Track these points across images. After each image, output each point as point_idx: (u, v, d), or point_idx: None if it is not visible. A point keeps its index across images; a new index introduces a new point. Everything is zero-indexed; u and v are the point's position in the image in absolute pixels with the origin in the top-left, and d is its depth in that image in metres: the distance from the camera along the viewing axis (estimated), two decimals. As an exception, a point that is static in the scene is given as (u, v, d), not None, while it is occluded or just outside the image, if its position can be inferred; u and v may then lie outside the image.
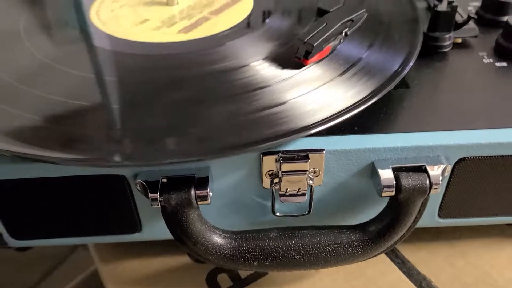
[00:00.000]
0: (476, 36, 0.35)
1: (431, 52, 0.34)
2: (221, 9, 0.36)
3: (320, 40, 0.28)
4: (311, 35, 0.29)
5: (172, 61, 0.31)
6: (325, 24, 0.29)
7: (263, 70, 0.29)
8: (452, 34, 0.34)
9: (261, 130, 0.25)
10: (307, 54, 0.29)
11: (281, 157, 0.27)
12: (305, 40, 0.29)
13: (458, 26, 0.34)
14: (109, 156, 0.24)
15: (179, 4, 0.37)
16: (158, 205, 0.27)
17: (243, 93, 0.28)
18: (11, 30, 0.34)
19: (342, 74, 0.29)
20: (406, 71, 0.29)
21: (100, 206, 0.29)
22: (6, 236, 0.31)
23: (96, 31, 0.34)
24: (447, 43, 0.34)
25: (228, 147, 0.25)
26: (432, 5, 0.37)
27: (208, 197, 0.27)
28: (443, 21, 0.34)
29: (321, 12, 0.31)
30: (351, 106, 0.26)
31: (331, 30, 0.29)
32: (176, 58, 0.31)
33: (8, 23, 0.35)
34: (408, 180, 0.27)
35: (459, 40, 0.36)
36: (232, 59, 0.30)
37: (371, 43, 0.31)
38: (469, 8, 0.40)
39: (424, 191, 0.27)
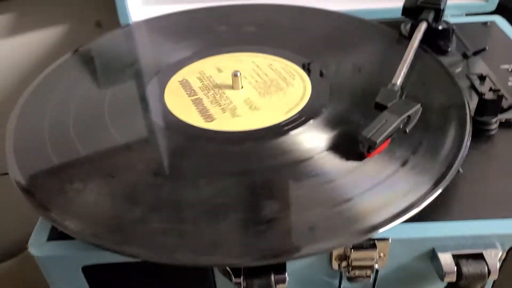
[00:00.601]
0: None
1: (478, 134, 0.37)
2: (276, 91, 0.40)
3: (382, 137, 0.32)
4: (373, 132, 0.32)
5: (241, 154, 0.34)
6: (385, 120, 0.33)
7: (328, 162, 0.33)
8: (498, 117, 0.37)
9: (333, 232, 0.28)
10: (370, 149, 0.32)
11: (350, 247, 0.30)
12: (368, 136, 0.32)
13: (504, 110, 0.37)
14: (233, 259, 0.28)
15: (243, 89, 0.41)
16: (241, 289, 0.30)
17: (311, 188, 0.31)
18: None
19: (403, 165, 0.32)
20: (461, 159, 0.32)
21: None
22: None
23: (174, 119, 0.38)
24: (494, 126, 0.37)
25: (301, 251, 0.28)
26: (474, 84, 0.40)
27: (286, 282, 0.30)
28: (490, 107, 0.37)
29: (379, 106, 0.35)
30: (416, 201, 0.29)
31: (392, 127, 0.32)
32: (243, 152, 0.35)
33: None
34: (468, 268, 0.29)
35: (503, 119, 0.39)
36: (295, 151, 0.34)
37: (425, 133, 0.34)
38: (510, 84, 0.43)
39: (483, 278, 0.29)
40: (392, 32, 0.49)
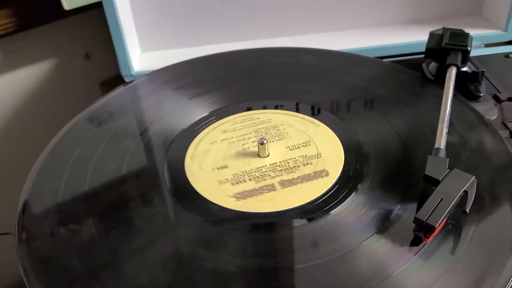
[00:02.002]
0: None
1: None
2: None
3: (440, 220, 0.29)
4: (430, 214, 0.29)
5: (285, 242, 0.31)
6: (441, 199, 0.30)
7: (378, 252, 0.30)
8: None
9: None
10: (427, 233, 0.29)
11: None
12: (425, 220, 0.29)
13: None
14: None
15: (269, 157, 0.38)
16: None
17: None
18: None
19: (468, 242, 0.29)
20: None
21: None
22: None
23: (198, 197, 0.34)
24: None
25: None
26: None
27: None
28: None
29: (429, 180, 0.32)
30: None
31: (449, 207, 0.29)
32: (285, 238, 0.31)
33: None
34: None
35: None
36: (341, 238, 0.31)
37: (481, 208, 0.32)
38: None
39: None
40: (413, 74, 0.47)
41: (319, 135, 0.39)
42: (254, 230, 0.32)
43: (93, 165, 0.37)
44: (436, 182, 0.31)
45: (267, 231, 0.32)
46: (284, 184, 0.35)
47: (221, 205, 0.33)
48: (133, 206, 0.34)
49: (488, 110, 0.42)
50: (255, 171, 0.36)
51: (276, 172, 0.36)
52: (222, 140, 0.39)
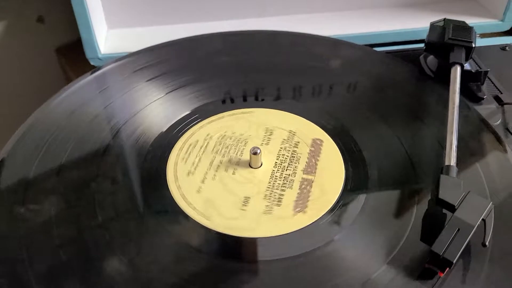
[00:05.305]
0: None
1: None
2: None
3: (458, 254, 0.26)
4: (446, 246, 0.26)
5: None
6: (457, 229, 0.27)
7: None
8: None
9: None
10: (443, 268, 0.27)
11: None
12: (441, 254, 0.26)
13: None
14: None
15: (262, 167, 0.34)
16: None
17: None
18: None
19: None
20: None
21: None
22: None
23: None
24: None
25: None
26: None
27: None
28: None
29: (443, 204, 0.29)
30: None
31: (467, 239, 0.27)
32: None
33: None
34: None
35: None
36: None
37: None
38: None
39: None
40: (410, 67, 0.43)
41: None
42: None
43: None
44: (451, 207, 0.29)
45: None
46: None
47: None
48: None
49: (490, 113, 0.39)
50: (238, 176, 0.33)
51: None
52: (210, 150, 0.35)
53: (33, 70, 0.60)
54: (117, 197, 0.31)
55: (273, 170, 0.33)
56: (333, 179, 0.33)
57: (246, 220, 0.30)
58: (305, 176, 0.33)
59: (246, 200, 0.31)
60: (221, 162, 0.34)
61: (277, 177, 0.33)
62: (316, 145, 0.35)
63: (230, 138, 0.36)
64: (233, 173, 0.33)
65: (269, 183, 0.32)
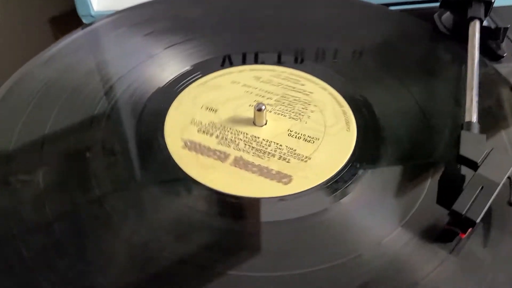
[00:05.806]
0: None
1: None
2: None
3: (482, 213, 0.24)
4: (469, 206, 0.24)
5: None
6: (481, 187, 0.25)
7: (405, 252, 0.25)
8: None
9: None
10: (465, 228, 0.24)
11: None
12: (463, 213, 0.24)
13: None
14: None
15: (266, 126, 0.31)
16: None
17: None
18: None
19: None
20: None
21: None
22: None
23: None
24: None
25: None
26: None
27: None
28: None
29: (465, 161, 0.27)
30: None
31: (492, 198, 0.24)
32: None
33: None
34: None
35: None
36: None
37: None
38: None
39: None
40: (423, 25, 0.41)
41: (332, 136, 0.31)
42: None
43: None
44: (473, 165, 0.26)
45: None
46: (237, 162, 0.29)
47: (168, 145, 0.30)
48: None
49: (510, 72, 0.37)
50: (231, 132, 0.30)
51: (247, 145, 0.30)
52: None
53: (25, 41, 0.57)
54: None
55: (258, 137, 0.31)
56: (344, 141, 0.30)
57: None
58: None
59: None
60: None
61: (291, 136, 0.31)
62: (330, 103, 0.33)
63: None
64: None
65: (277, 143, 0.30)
